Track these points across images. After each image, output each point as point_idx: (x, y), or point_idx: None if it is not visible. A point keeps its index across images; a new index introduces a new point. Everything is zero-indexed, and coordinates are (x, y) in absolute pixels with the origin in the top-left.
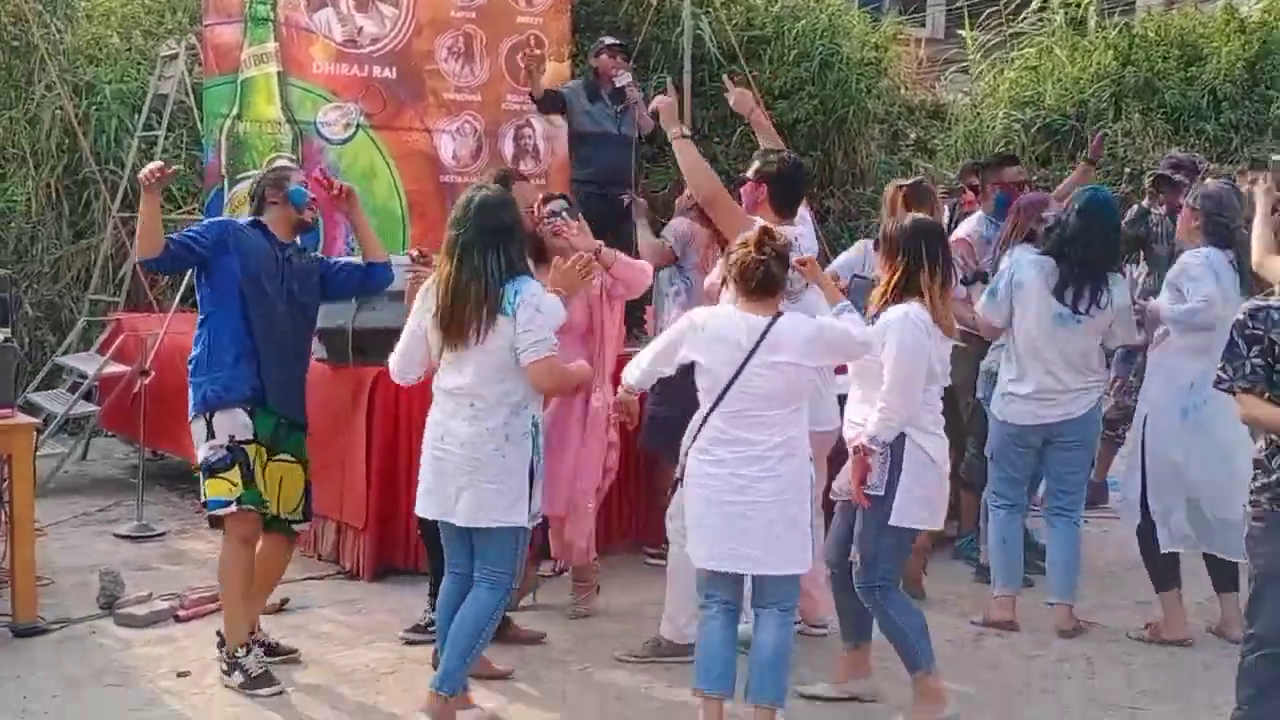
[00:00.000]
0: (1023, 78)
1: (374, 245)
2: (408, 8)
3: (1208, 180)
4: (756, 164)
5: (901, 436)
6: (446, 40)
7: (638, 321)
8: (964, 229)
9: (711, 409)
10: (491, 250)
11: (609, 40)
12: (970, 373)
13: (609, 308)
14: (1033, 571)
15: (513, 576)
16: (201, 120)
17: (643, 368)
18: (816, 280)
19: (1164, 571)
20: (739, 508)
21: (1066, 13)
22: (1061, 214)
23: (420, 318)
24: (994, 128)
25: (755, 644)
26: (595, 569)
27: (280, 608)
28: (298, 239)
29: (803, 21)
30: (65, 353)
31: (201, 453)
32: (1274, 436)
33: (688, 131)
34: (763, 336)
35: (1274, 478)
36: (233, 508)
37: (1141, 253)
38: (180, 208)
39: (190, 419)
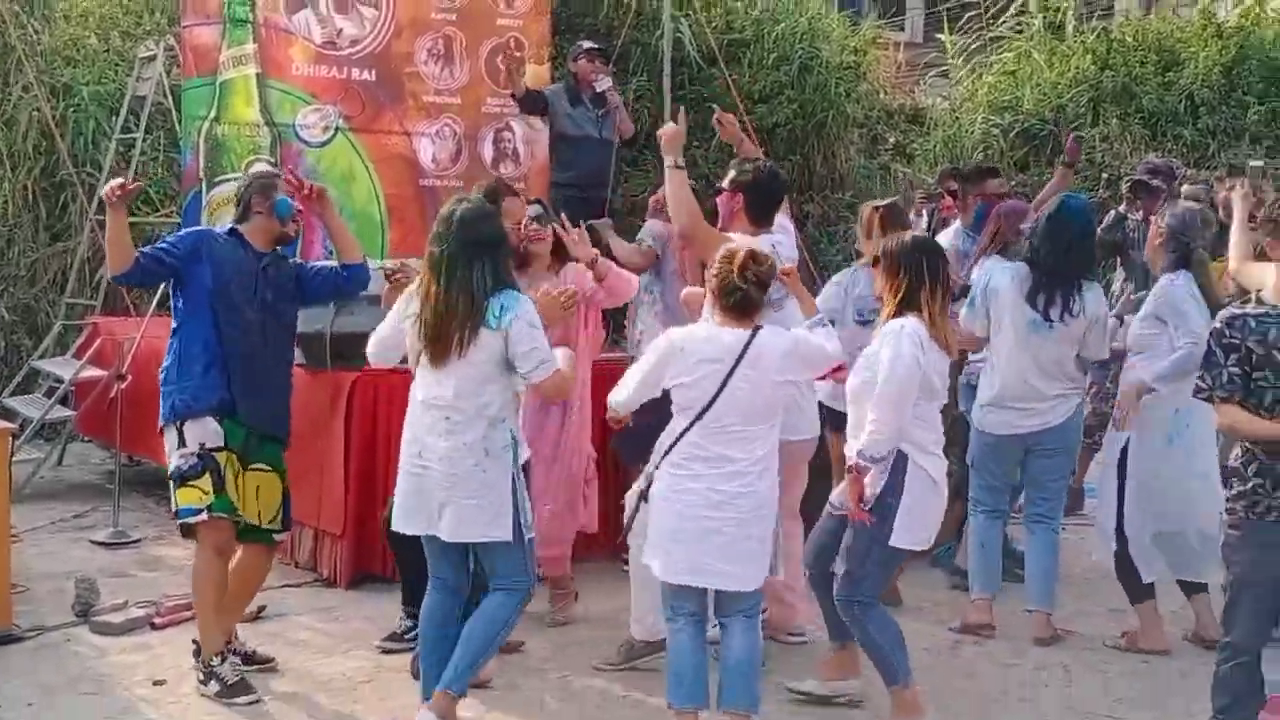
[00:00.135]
0: (1001, 82)
1: (349, 245)
2: (387, 9)
3: (1183, 199)
4: (732, 173)
5: (904, 458)
6: (426, 42)
7: (618, 326)
8: (941, 242)
9: (690, 425)
10: (477, 264)
11: (587, 44)
12: (951, 385)
13: (590, 314)
14: (1011, 579)
15: (528, 581)
16: (180, 122)
17: (629, 393)
18: (795, 292)
19: (1139, 585)
20: (714, 523)
21: (1045, 17)
22: (1034, 222)
23: (402, 318)
24: (973, 132)
25: (724, 652)
26: (571, 576)
27: (257, 615)
28: (277, 249)
29: (782, 25)
30: (41, 357)
31: (173, 461)
32: (1249, 445)
33: (682, 164)
34: (744, 351)
35: (1249, 485)
36: (203, 515)
37: (1118, 259)
38: (158, 210)
39: (161, 428)
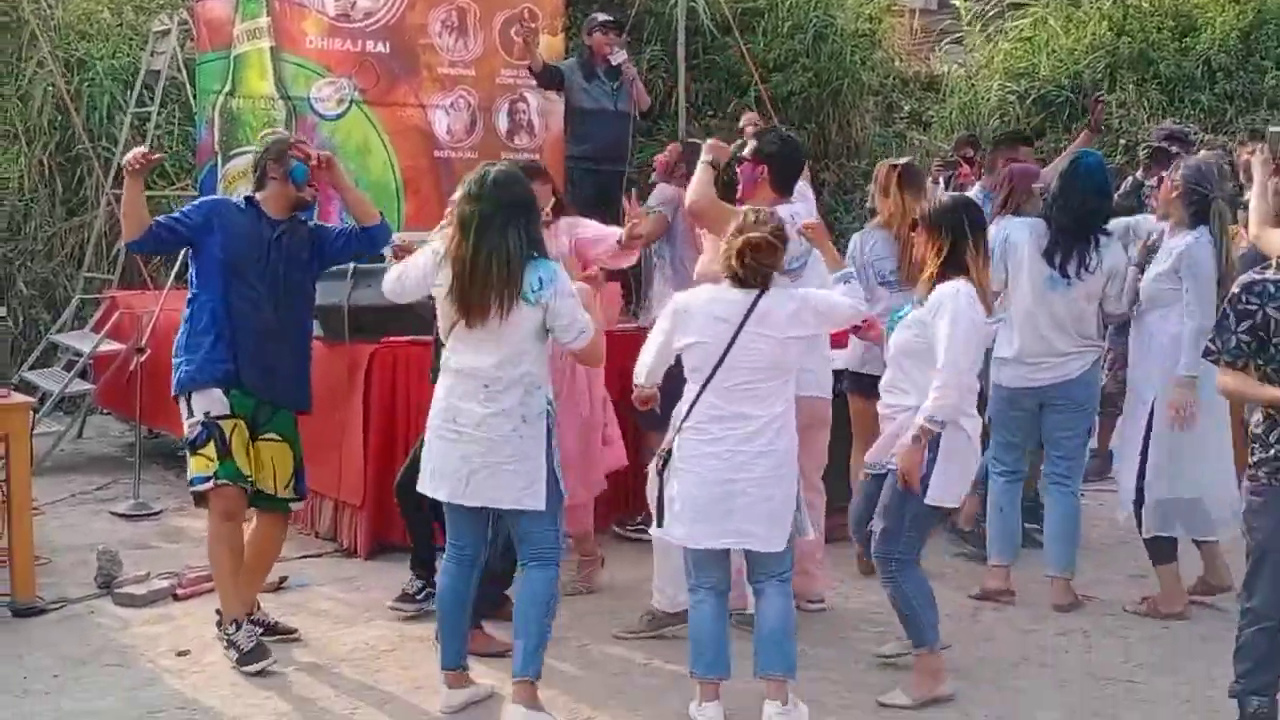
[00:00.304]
0: (1017, 49)
1: (364, 208)
2: None
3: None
4: (755, 143)
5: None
6: (440, 14)
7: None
8: None
9: (704, 386)
10: (512, 226)
11: (602, 17)
12: None
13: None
14: (1030, 545)
15: (558, 551)
16: (194, 96)
17: (649, 366)
18: (821, 247)
19: (1163, 547)
20: (738, 485)
21: None
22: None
23: (431, 284)
24: (989, 100)
25: (759, 617)
26: (597, 542)
27: (279, 586)
28: (296, 215)
29: None
30: (60, 331)
31: (185, 431)
32: (1271, 411)
33: (718, 164)
34: (750, 309)
35: (1271, 452)
36: (210, 484)
37: None
38: (174, 184)
39: (174, 398)
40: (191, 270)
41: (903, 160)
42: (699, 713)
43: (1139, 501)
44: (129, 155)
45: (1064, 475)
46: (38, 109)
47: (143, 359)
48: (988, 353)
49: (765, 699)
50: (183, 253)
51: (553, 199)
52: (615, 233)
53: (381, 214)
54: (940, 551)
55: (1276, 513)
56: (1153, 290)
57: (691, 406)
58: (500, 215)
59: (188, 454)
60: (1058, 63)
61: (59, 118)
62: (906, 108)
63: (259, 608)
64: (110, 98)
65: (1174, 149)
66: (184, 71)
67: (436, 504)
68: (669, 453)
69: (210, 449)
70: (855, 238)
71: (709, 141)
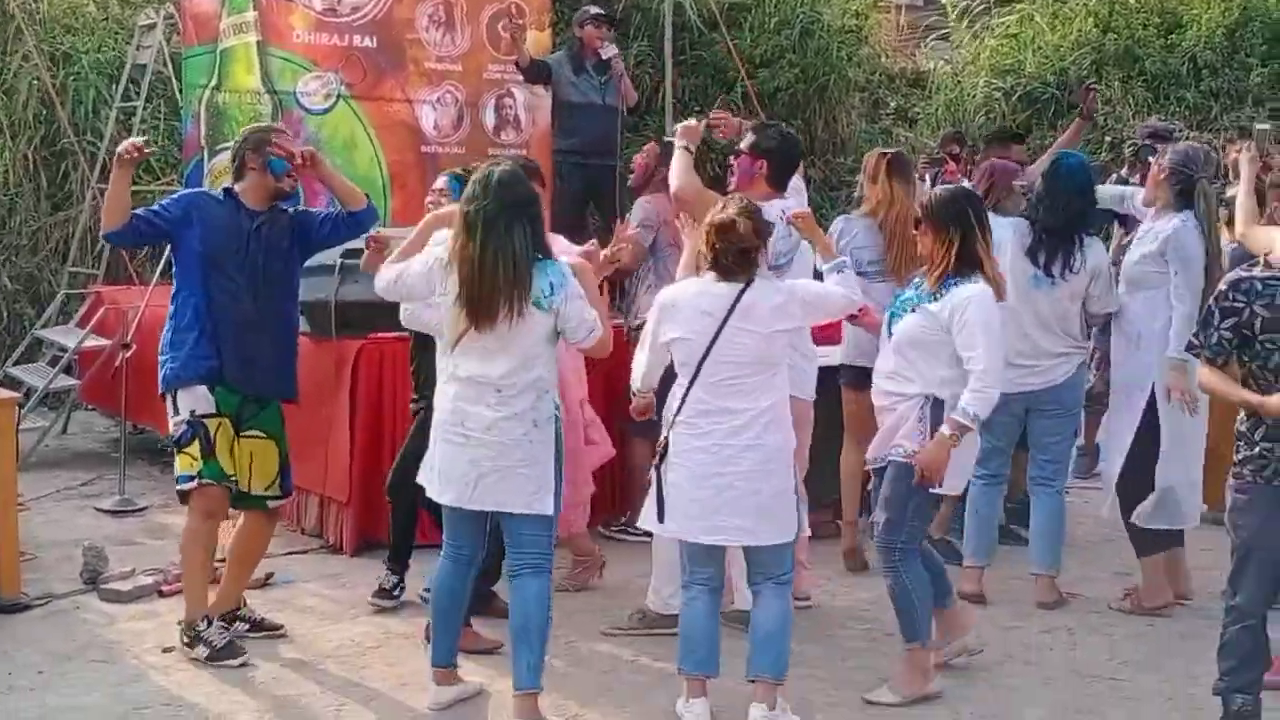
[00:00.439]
0: (1003, 45)
1: (351, 194)
2: None
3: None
4: (754, 138)
5: (942, 405)
6: (427, 9)
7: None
8: None
9: (692, 381)
10: (518, 226)
11: (594, 10)
12: None
13: None
14: (1015, 542)
15: (551, 558)
16: (180, 91)
17: (643, 369)
18: (813, 237)
19: (1147, 537)
20: (725, 479)
21: None
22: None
23: (432, 283)
24: (975, 96)
25: (755, 619)
26: (597, 544)
27: (265, 582)
28: (276, 204)
29: None
30: (45, 326)
31: (170, 429)
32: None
33: (692, 149)
34: (735, 303)
35: (1256, 450)
36: (194, 483)
37: (1117, 222)
38: (159, 179)
39: (161, 396)
40: (175, 266)
41: (893, 149)
42: (686, 709)
43: (1126, 492)
44: (125, 144)
45: (1049, 478)
46: (22, 103)
47: (128, 354)
48: None
49: (752, 702)
50: (168, 248)
51: None
52: (578, 250)
53: (368, 195)
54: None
55: (1262, 510)
56: (1136, 273)
57: (681, 402)
58: (505, 215)
59: (174, 452)
60: (1044, 59)
61: (44, 112)
62: (893, 104)
63: (245, 603)
64: (96, 92)
65: (1159, 146)
66: (170, 66)
67: (430, 501)
68: (665, 447)
69: (195, 448)
70: (837, 222)
71: (679, 126)
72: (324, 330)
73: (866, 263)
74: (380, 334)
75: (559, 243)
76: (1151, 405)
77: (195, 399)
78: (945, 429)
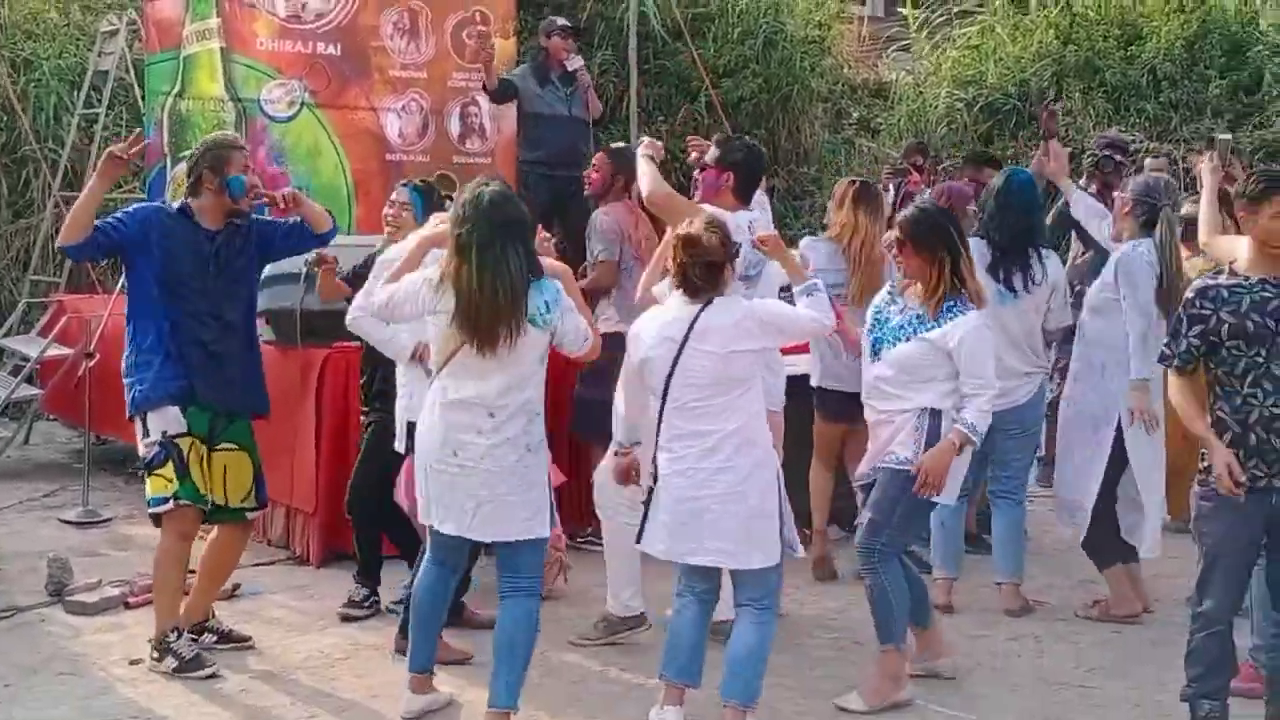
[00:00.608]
0: (964, 57)
1: (320, 219)
2: None
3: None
4: (719, 151)
5: (939, 415)
6: (392, 16)
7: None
8: None
9: (662, 405)
10: (511, 248)
11: (560, 22)
12: None
13: None
14: (985, 551)
15: (541, 580)
16: (143, 98)
17: (624, 417)
18: (780, 258)
19: (1106, 550)
20: (701, 502)
21: None
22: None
23: (425, 303)
24: (936, 107)
25: (730, 643)
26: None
27: (232, 594)
28: (232, 221)
29: None
30: (6, 335)
31: (141, 451)
32: (1220, 415)
33: (657, 160)
34: (691, 326)
35: None
36: (170, 505)
37: (1074, 233)
38: (121, 187)
39: (129, 418)
40: (127, 282)
41: (861, 180)
42: (659, 716)
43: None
44: (121, 145)
45: (1010, 491)
46: None
47: (91, 364)
48: None
49: None
50: None
51: None
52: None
53: (331, 213)
54: None
55: (1227, 518)
56: (1099, 300)
57: (659, 425)
58: (498, 238)
59: (145, 475)
60: (1005, 70)
61: (4, 118)
62: (855, 114)
63: (213, 615)
64: (57, 98)
65: (1116, 157)
66: (132, 72)
67: (389, 521)
68: (655, 469)
69: (169, 469)
70: (803, 243)
71: (645, 140)
72: (289, 339)
73: (829, 285)
74: (346, 343)
75: None
76: (1119, 435)
77: (166, 420)
78: (952, 437)
